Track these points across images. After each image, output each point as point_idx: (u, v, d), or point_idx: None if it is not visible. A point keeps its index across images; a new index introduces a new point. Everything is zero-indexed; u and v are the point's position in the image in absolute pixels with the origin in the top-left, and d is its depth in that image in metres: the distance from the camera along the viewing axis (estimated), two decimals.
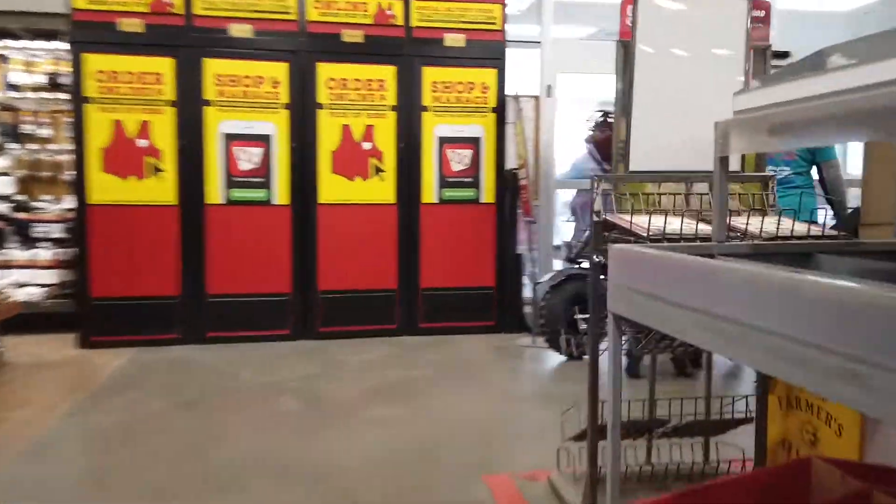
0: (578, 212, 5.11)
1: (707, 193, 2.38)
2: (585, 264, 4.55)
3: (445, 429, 3.14)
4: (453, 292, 5.03)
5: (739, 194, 2.54)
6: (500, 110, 5.04)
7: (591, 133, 5.25)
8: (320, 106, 4.79)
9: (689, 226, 1.94)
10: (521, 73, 5.36)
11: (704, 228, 1.92)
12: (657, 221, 1.94)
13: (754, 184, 2.57)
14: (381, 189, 4.91)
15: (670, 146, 2.10)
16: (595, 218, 2.13)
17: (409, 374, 4.03)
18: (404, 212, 4.95)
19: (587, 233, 4.52)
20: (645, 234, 1.86)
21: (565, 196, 6.61)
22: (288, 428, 3.17)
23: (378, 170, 4.90)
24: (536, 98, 5.63)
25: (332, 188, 4.84)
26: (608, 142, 5.14)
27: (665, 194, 2.26)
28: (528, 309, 5.10)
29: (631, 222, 1.96)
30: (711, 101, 2.17)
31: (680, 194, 2.44)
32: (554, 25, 5.94)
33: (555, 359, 4.37)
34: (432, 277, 5.00)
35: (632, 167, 2.08)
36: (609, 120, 5.04)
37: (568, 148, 6.66)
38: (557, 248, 4.60)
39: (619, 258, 1.56)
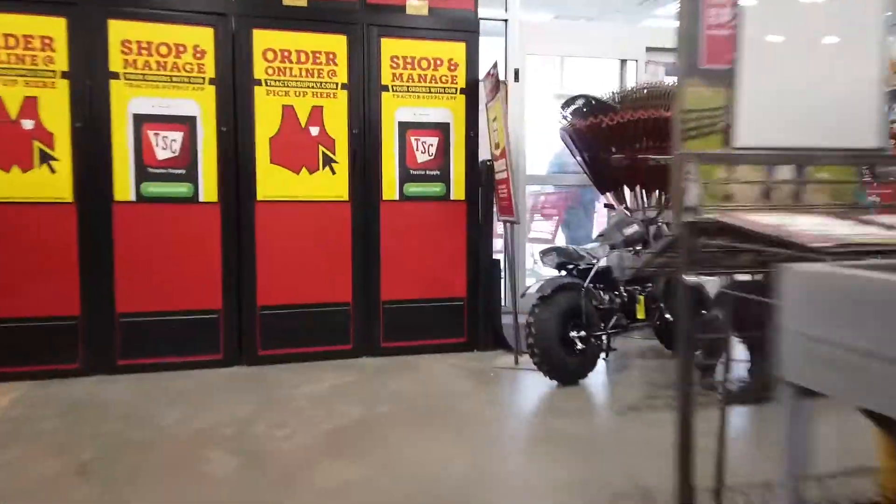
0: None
1: (797, 182, 1.72)
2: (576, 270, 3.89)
3: (426, 497, 2.41)
4: (419, 305, 4.29)
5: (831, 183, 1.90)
6: (471, 91, 4.32)
7: (568, 121, 4.62)
8: (257, 82, 3.95)
9: (850, 228, 1.27)
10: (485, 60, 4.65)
11: (859, 231, 1.26)
12: (802, 221, 1.26)
13: (844, 169, 1.93)
14: (332, 183, 4.12)
15: (789, 118, 1.44)
16: (685, 216, 1.43)
17: (372, 413, 3.26)
18: (360, 211, 4.17)
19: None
20: (819, 245, 1.15)
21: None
22: None
23: (328, 160, 4.10)
24: (504, 83, 4.93)
25: (272, 182, 4.00)
26: (591, 129, 4.52)
27: (764, 183, 1.59)
28: (506, 320, 4.42)
29: (777, 225, 1.26)
30: (845, 61, 1.53)
31: (764, 183, 1.78)
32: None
33: (543, 384, 3.69)
34: (394, 288, 4.24)
35: (739, 143, 1.40)
36: (596, 104, 4.42)
37: (540, 142, 6.05)
38: (548, 253, 3.92)
39: (815, 290, 0.87)
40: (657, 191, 4.56)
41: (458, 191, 4.32)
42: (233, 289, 3.97)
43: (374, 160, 4.17)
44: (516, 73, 5.45)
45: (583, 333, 3.64)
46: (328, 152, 4.10)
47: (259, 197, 3.98)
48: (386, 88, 4.16)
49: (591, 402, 3.47)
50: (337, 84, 4.09)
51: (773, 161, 1.58)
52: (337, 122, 4.10)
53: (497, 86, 4.04)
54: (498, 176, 4.19)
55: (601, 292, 3.90)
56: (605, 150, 4.55)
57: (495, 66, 4.06)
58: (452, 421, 3.17)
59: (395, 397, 3.49)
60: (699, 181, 1.38)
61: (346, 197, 4.14)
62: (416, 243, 4.27)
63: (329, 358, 4.10)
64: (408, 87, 4.20)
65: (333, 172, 4.12)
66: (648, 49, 5.93)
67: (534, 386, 3.71)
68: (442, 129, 4.28)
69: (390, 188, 4.21)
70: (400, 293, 4.25)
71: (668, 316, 4.07)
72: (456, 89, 4.29)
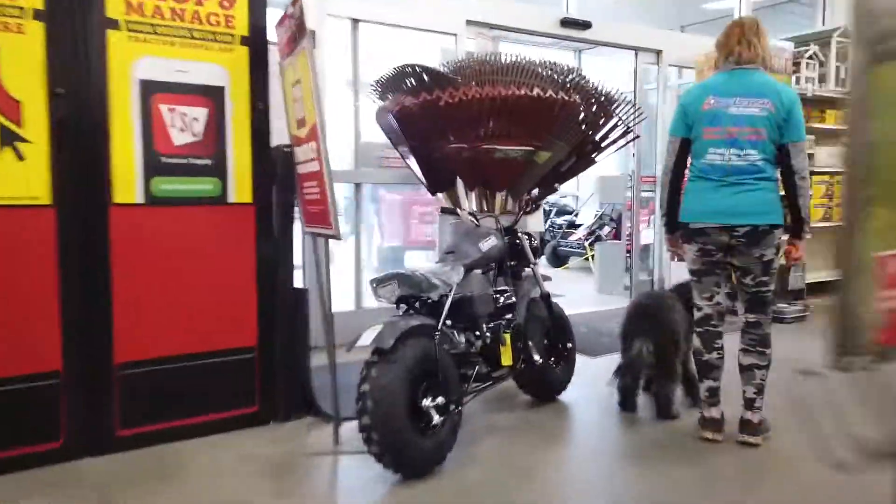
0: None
1: None
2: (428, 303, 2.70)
3: None
4: (183, 364, 2.78)
5: None
6: (257, 42, 2.92)
7: (396, 98, 3.45)
8: None
9: None
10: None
11: None
12: None
13: None
14: (19, 176, 2.45)
15: None
16: None
17: None
18: (74, 221, 2.55)
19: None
20: None
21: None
22: None
23: (10, 136, 2.43)
24: (312, 32, 3.59)
25: None
26: (424, 109, 3.39)
27: None
28: (317, 362, 3.09)
29: None
30: None
31: None
32: None
33: (384, 480, 2.45)
34: (139, 342, 2.68)
35: None
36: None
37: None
38: (386, 281, 2.64)
39: None
40: (507, 191, 3.59)
41: (240, 189, 2.90)
42: None
43: (97, 139, 2.58)
44: (313, 35, 4.14)
45: (440, 400, 2.48)
46: (9, 124, 2.42)
47: None
48: (114, 24, 2.60)
49: None
50: (22, 10, 2.43)
51: None
52: (25, 74, 2.44)
53: (300, 33, 2.71)
54: (302, 168, 2.85)
55: (456, 333, 2.78)
56: (442, 137, 3.46)
57: (296, 2, 2.72)
58: None
59: None
60: None
61: (45, 199, 2.50)
62: (176, 271, 2.76)
63: (19, 467, 2.43)
64: (154, 25, 2.68)
65: (21, 157, 2.45)
66: (469, 23, 5.04)
67: (370, 484, 2.45)
68: (213, 96, 2.82)
69: (127, 185, 2.65)
70: (148, 349, 2.71)
71: (536, 357, 3.10)
72: (233, 37, 2.86)
